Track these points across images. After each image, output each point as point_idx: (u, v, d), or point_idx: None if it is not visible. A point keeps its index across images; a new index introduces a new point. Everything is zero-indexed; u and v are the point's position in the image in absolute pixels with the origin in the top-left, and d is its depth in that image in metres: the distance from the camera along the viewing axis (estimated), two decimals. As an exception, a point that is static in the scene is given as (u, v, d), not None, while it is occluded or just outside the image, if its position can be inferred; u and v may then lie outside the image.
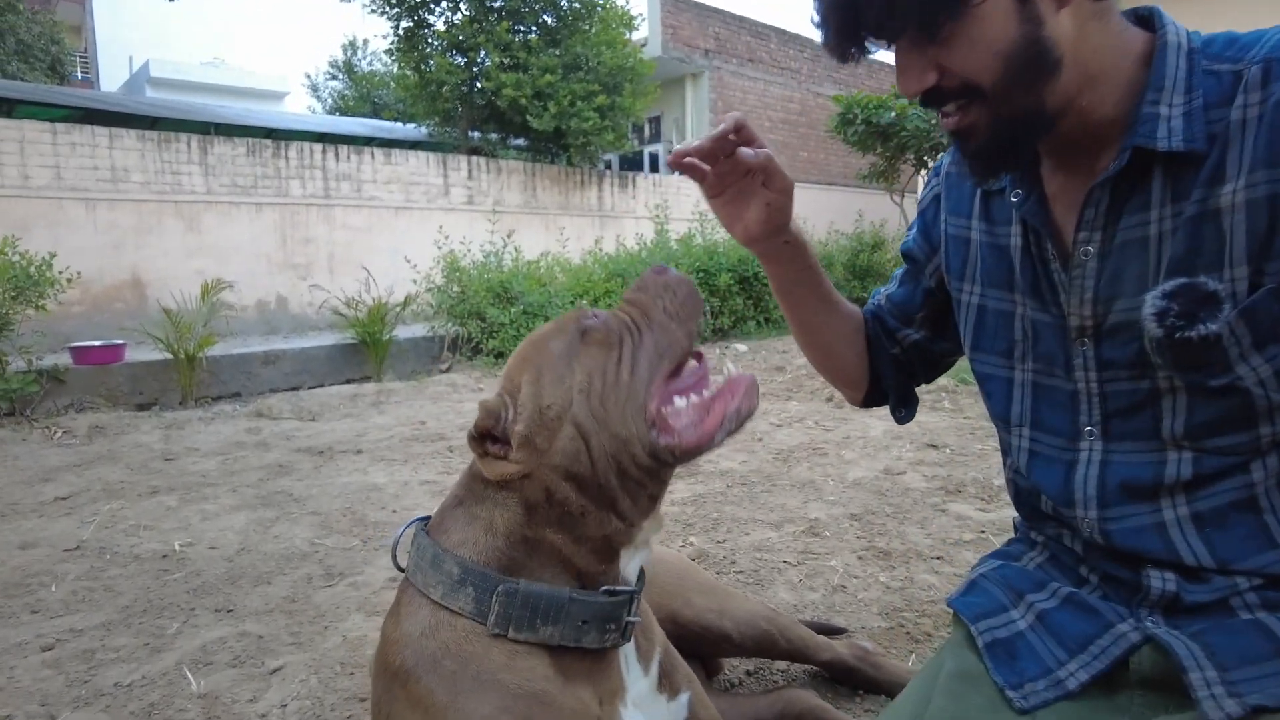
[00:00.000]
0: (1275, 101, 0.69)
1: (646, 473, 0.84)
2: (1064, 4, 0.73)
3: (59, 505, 3.00)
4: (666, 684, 0.96)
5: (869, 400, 1.17)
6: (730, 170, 0.90)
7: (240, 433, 4.23)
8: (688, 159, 0.86)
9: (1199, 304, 0.73)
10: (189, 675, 1.68)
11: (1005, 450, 0.98)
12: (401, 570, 0.91)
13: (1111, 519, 0.81)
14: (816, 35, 0.81)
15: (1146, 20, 0.80)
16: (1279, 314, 0.71)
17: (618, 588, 0.87)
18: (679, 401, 0.85)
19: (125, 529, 2.71)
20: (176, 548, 2.50)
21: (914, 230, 1.12)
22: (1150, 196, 0.76)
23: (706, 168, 0.87)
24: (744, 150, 0.87)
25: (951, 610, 0.94)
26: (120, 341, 5.55)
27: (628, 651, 0.90)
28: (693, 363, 0.91)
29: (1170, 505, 0.78)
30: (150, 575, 2.29)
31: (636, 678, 0.90)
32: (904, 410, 1.15)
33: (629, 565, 0.89)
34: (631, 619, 0.88)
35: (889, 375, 1.13)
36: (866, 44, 0.78)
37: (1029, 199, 0.86)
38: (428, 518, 0.93)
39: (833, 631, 1.70)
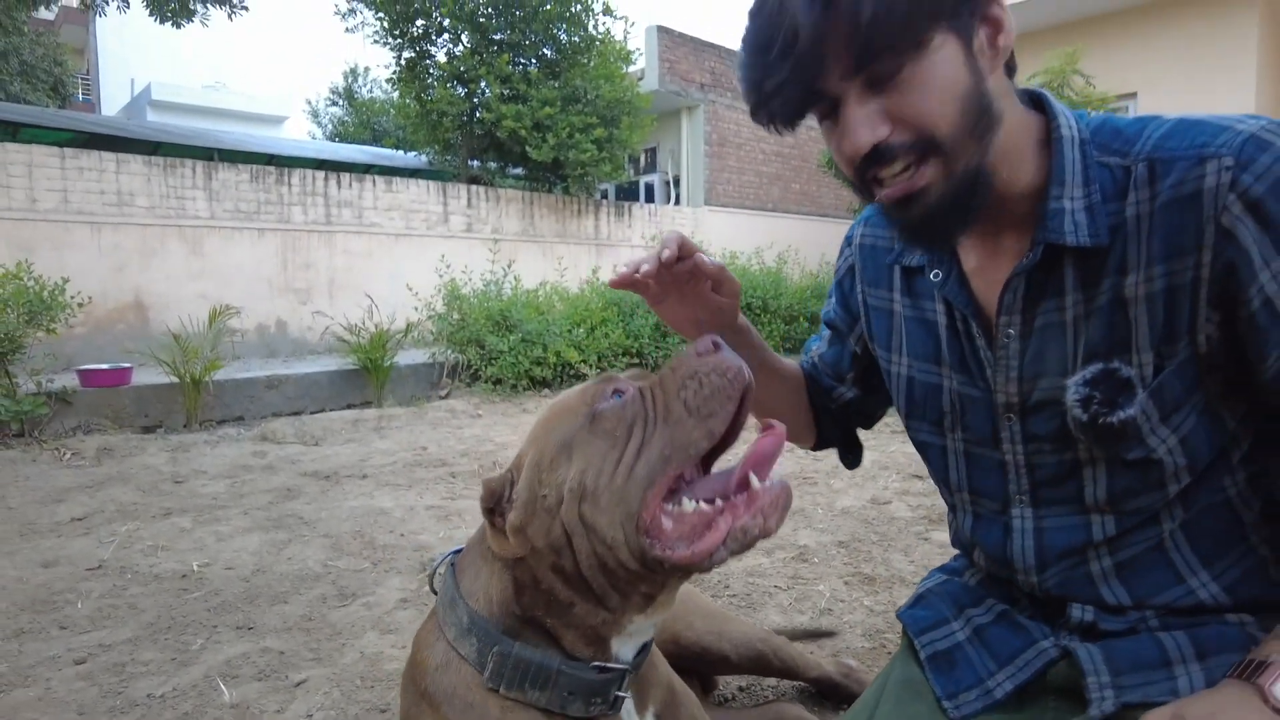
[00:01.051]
0: (1162, 202, 0.75)
1: (636, 576, 0.81)
2: (996, 66, 0.77)
3: (75, 525, 3.10)
4: None
5: (819, 446, 1.22)
6: (672, 280, 0.93)
7: (246, 456, 4.34)
8: (634, 279, 0.88)
9: (1117, 390, 0.79)
10: (221, 686, 1.79)
11: (950, 508, 1.05)
12: (435, 593, 0.97)
13: (1048, 578, 0.90)
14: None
15: (1037, 103, 0.84)
16: (1179, 388, 0.78)
17: (609, 664, 0.87)
18: (687, 504, 0.80)
19: (143, 549, 2.81)
20: (194, 567, 2.61)
21: (833, 299, 1.15)
22: (1064, 284, 0.82)
23: (649, 283, 0.90)
24: (703, 259, 0.90)
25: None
26: (127, 365, 5.65)
27: (627, 708, 0.91)
28: (733, 457, 0.86)
29: (1096, 559, 0.87)
30: (171, 594, 2.40)
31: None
32: (851, 456, 1.22)
33: (622, 649, 0.89)
34: (621, 694, 0.88)
35: (829, 427, 1.19)
36: (814, 104, 0.77)
37: (949, 279, 0.90)
38: (457, 555, 0.97)
39: (823, 635, 1.87)
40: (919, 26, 0.71)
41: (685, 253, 0.90)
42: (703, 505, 0.80)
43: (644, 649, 0.92)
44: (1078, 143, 0.81)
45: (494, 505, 0.87)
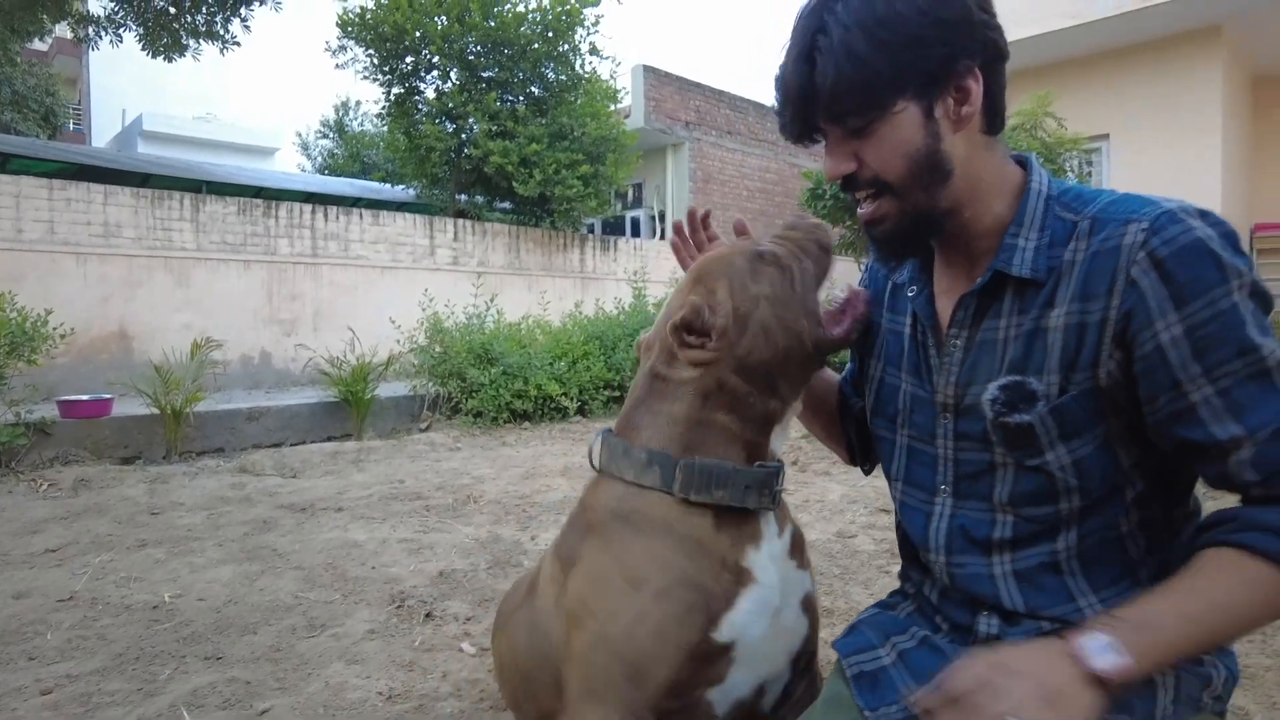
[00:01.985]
0: (1092, 252, 0.89)
1: (805, 362, 1.10)
2: (958, 129, 0.91)
3: (49, 557, 3.13)
4: (798, 554, 1.14)
5: (852, 459, 1.35)
6: (700, 246, 1.37)
7: (225, 488, 4.37)
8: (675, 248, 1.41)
9: (1021, 399, 0.92)
10: (185, 715, 1.83)
11: (893, 501, 1.17)
12: (595, 469, 1.16)
13: (956, 565, 1.01)
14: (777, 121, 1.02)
15: (1023, 163, 1.00)
16: (1081, 415, 0.90)
17: (768, 462, 1.10)
18: (823, 303, 1.12)
19: (116, 580, 2.84)
20: (166, 599, 2.65)
21: None
22: (1003, 308, 0.96)
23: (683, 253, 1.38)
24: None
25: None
26: (108, 396, 5.68)
27: (769, 517, 1.10)
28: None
29: (999, 560, 0.98)
30: (141, 624, 2.43)
31: (772, 536, 1.09)
32: (867, 464, 1.34)
33: (776, 440, 1.12)
34: (779, 488, 1.09)
35: (851, 434, 1.32)
36: (815, 135, 0.97)
37: (921, 294, 1.06)
38: (609, 430, 1.17)
39: None
40: (882, 96, 0.89)
41: (696, 223, 1.35)
42: (835, 306, 1.13)
43: (781, 469, 1.12)
44: (1044, 196, 0.96)
45: (694, 318, 1.07)
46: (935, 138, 0.91)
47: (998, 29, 0.92)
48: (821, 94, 0.90)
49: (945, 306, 1.03)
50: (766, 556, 1.06)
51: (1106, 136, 10.17)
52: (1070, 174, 9.57)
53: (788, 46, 0.95)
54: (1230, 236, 0.85)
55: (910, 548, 1.13)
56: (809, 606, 1.13)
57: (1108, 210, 0.91)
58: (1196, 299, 0.83)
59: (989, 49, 0.91)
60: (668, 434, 1.08)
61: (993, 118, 0.94)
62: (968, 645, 1.00)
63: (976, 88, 0.90)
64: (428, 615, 2.49)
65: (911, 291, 1.08)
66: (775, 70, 0.98)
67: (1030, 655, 0.79)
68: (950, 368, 1.00)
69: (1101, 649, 0.76)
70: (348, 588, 2.75)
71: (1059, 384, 0.90)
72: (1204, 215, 0.86)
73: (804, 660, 1.15)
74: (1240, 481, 0.84)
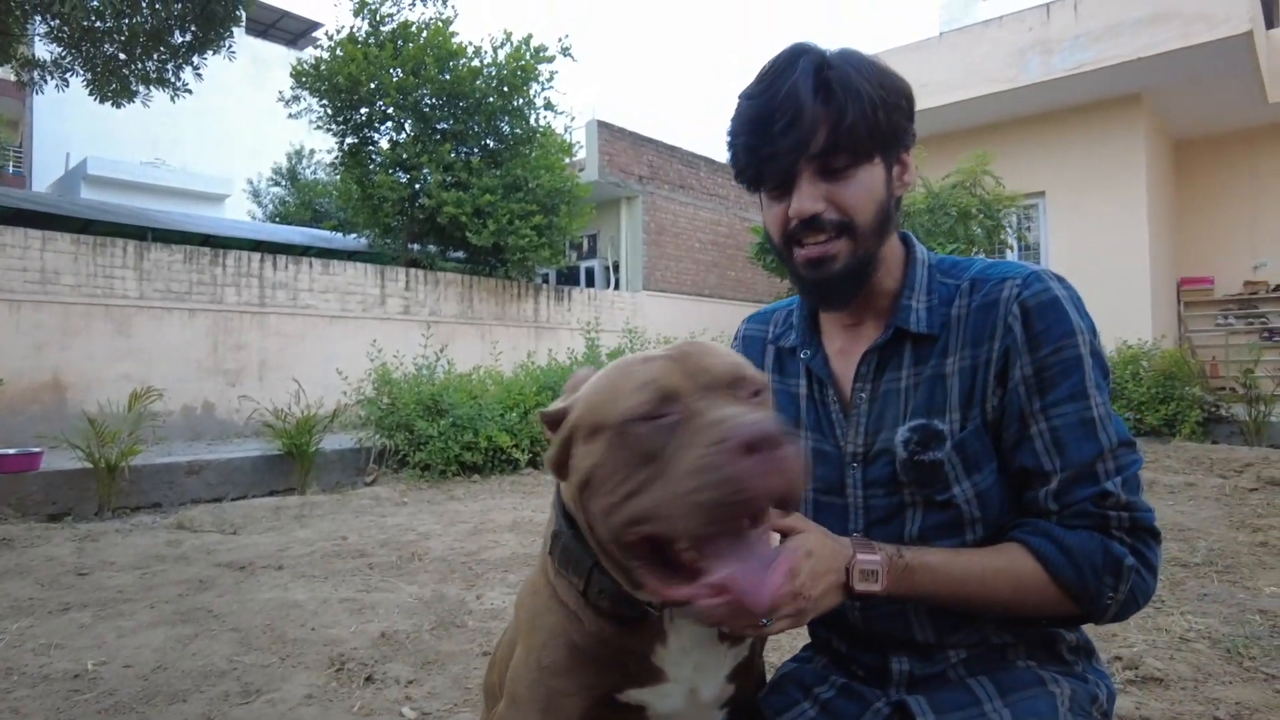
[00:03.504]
0: (975, 306, 1.02)
1: (625, 571, 0.85)
2: (895, 193, 1.04)
3: (-35, 623, 2.97)
4: (729, 635, 0.96)
5: None
6: None
7: (160, 545, 4.21)
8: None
9: (931, 438, 1.00)
10: (104, 794, 1.74)
11: None
12: None
13: (870, 607, 1.04)
14: (733, 165, 1.04)
15: (905, 239, 1.13)
16: (979, 449, 0.99)
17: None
18: (682, 553, 0.79)
19: (34, 648, 2.70)
20: (89, 666, 2.53)
21: None
22: (902, 360, 1.05)
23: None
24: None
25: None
26: (37, 449, 5.46)
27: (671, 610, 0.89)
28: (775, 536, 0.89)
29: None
30: (60, 695, 2.32)
31: (680, 627, 0.92)
32: None
33: None
34: (652, 610, 0.90)
35: None
36: (793, 168, 0.98)
37: (817, 355, 1.14)
38: None
39: None
40: (872, 146, 0.98)
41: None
42: (686, 558, 0.78)
43: None
44: (927, 265, 1.09)
45: (550, 420, 0.90)
46: (890, 195, 1.03)
47: None
48: (831, 127, 0.95)
49: (841, 365, 1.11)
50: (677, 649, 0.93)
51: (1043, 194, 10.65)
52: (1009, 228, 9.99)
53: (780, 79, 0.97)
54: (1078, 300, 1.00)
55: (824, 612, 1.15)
56: (739, 673, 1.01)
57: (984, 273, 1.04)
58: (1048, 345, 0.96)
59: (913, 137, 1.05)
60: (560, 494, 0.96)
61: (898, 202, 1.07)
62: (886, 688, 1.05)
63: (913, 167, 1.06)
64: (368, 679, 2.43)
65: (805, 354, 1.15)
66: (755, 104, 0.98)
67: (825, 544, 0.93)
68: (858, 419, 1.07)
69: (865, 575, 0.92)
70: (286, 650, 2.66)
71: (960, 421, 1.00)
72: (1060, 280, 1.00)
73: (742, 698, 1.06)
74: (1040, 509, 0.97)
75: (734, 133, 1.03)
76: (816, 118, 0.95)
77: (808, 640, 1.23)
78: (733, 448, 0.70)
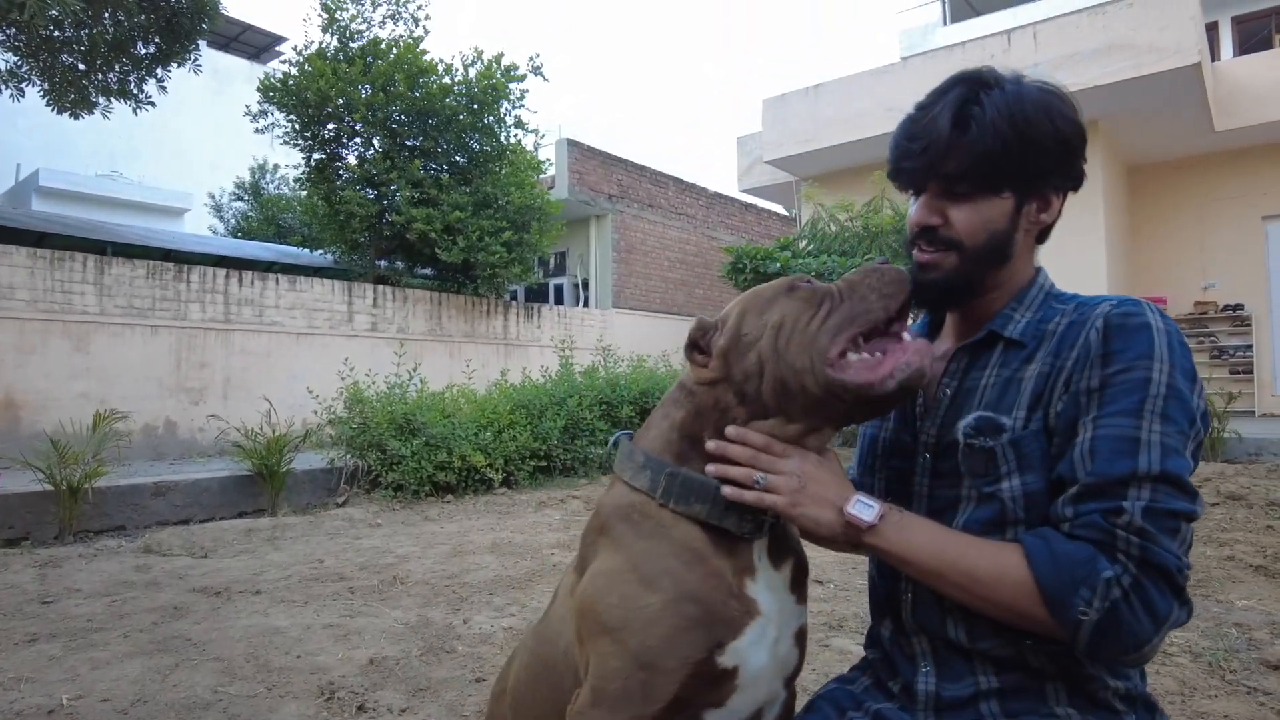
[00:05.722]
0: (1069, 321, 1.04)
1: (816, 403, 1.02)
2: (1028, 230, 1.09)
3: (-74, 655, 2.84)
4: (798, 588, 1.12)
5: None
6: None
7: (128, 571, 4.08)
8: None
9: (990, 429, 1.03)
10: (98, 836, 1.67)
11: None
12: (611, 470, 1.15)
13: (917, 592, 1.09)
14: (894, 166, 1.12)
15: (1037, 268, 1.16)
16: (1036, 452, 0.99)
17: None
18: (861, 354, 1.02)
19: (2, 682, 2.59)
20: (64, 701, 2.43)
21: None
22: (989, 361, 1.09)
23: None
24: None
25: None
26: (-7, 471, 5.26)
27: (760, 547, 1.06)
28: (899, 337, 1.08)
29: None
30: (37, 731, 2.23)
31: (767, 567, 1.07)
32: None
33: None
34: (768, 518, 1.06)
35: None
36: (924, 182, 1.08)
37: None
38: (631, 432, 1.20)
39: None
40: (999, 180, 1.05)
41: None
42: (877, 354, 1.02)
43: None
44: (1044, 290, 1.13)
45: (700, 339, 1.11)
46: (1013, 228, 1.07)
47: (1083, 166, 1.10)
48: (961, 156, 1.03)
49: (939, 365, 1.15)
50: (765, 587, 1.05)
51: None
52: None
53: (935, 104, 1.07)
54: (1176, 338, 0.97)
55: (880, 591, 1.19)
56: (801, 639, 1.13)
57: (1092, 299, 1.06)
58: (1119, 362, 0.95)
59: (1075, 179, 1.10)
60: (665, 440, 1.11)
61: (1047, 231, 1.13)
62: (914, 711, 1.07)
63: (1057, 204, 1.10)
64: (360, 708, 2.37)
65: None
66: (912, 119, 1.10)
67: (829, 476, 1.02)
68: (937, 411, 1.11)
69: (865, 507, 0.99)
70: (272, 679, 2.59)
71: (1024, 420, 1.01)
72: (1163, 316, 0.98)
73: (790, 684, 1.16)
74: (1055, 516, 0.95)
75: (894, 137, 1.12)
76: (948, 146, 1.03)
77: (846, 658, 1.25)
78: (873, 265, 1.08)
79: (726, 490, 1.02)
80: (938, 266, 1.08)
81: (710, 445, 1.05)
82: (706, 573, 1.01)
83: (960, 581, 0.96)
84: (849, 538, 1.01)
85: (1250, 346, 10.93)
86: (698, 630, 0.98)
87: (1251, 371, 10.85)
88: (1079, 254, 10.03)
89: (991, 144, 1.02)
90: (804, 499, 1.00)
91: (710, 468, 1.04)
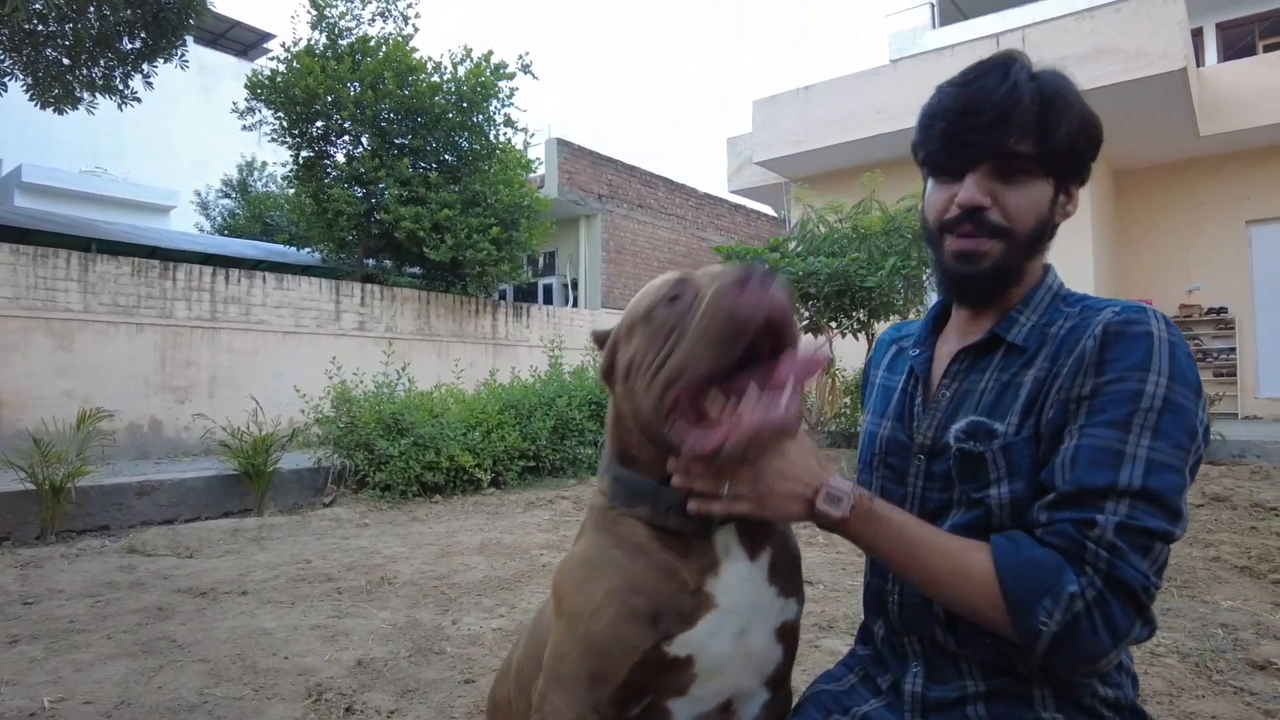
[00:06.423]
0: (1071, 325, 1.01)
1: (667, 445, 0.96)
2: (1058, 219, 1.07)
3: (-95, 657, 2.79)
4: (781, 579, 1.07)
5: None
6: None
7: (112, 571, 4.03)
8: None
9: (982, 434, 1.01)
10: (81, 841, 1.65)
11: None
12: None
13: (904, 594, 1.09)
14: (930, 146, 1.07)
15: (1045, 269, 1.14)
16: (1025, 459, 0.97)
17: None
18: (713, 402, 0.91)
19: (-15, 683, 2.56)
20: (46, 704, 2.39)
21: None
22: (990, 364, 1.07)
23: None
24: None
25: None
26: (-26, 470, 5.20)
27: (727, 538, 1.03)
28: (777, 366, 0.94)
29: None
30: (19, 734, 2.19)
31: (736, 559, 1.03)
32: None
33: None
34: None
35: None
36: (977, 155, 1.02)
37: (922, 355, 1.18)
38: None
39: None
40: (1059, 165, 1.02)
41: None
42: (727, 406, 0.89)
43: None
44: (1052, 290, 1.10)
45: (598, 338, 1.13)
46: (1053, 214, 1.05)
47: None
48: (1041, 133, 0.99)
49: (940, 365, 1.15)
50: (733, 578, 1.02)
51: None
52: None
53: (999, 76, 1.01)
54: (1178, 348, 0.93)
55: (871, 589, 1.19)
56: (785, 634, 1.08)
57: (1098, 303, 1.03)
58: (1113, 371, 0.92)
59: (1087, 176, 1.09)
60: (611, 443, 1.11)
61: (1055, 226, 1.11)
62: (901, 711, 1.07)
63: (1077, 199, 1.09)
64: (348, 709, 2.35)
65: (914, 353, 1.20)
66: (964, 93, 1.03)
67: (797, 467, 0.98)
68: (936, 412, 1.09)
69: (830, 499, 0.96)
70: (259, 681, 2.56)
71: (1016, 426, 0.99)
72: (1168, 324, 0.95)
73: (777, 682, 1.13)
74: (1031, 519, 0.94)
75: (932, 115, 1.05)
76: (1031, 116, 0.99)
77: (836, 659, 1.25)
78: (726, 288, 0.89)
79: (692, 505, 0.99)
80: (986, 255, 1.04)
81: (675, 479, 1.00)
82: (651, 565, 1.01)
83: (924, 577, 0.97)
84: (823, 528, 1.00)
85: (1234, 349, 11.06)
86: (642, 619, 0.98)
87: (1235, 374, 10.98)
88: (1066, 256, 10.07)
89: (1070, 126, 1.00)
90: (772, 499, 0.97)
91: (675, 480, 1.00)
